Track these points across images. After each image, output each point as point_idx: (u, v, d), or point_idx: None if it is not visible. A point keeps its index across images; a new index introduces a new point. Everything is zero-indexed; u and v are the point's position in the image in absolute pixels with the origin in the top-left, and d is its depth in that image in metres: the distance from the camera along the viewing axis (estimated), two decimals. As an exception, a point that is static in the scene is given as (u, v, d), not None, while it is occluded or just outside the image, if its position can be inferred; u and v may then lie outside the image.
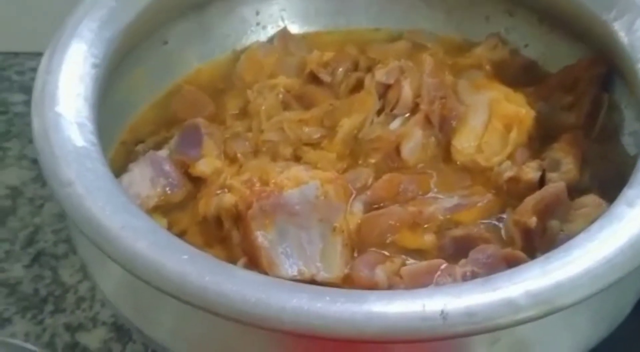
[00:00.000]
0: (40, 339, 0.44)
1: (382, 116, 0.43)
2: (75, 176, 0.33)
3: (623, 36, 0.40)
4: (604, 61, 0.43)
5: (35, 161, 0.54)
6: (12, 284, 0.47)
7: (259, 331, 0.30)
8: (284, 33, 0.49)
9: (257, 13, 0.49)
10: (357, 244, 0.38)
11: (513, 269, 0.30)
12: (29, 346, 0.38)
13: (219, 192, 0.39)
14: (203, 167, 0.41)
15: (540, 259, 0.30)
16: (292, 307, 0.28)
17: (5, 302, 0.46)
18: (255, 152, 0.42)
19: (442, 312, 0.28)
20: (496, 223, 0.38)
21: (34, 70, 0.54)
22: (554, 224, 0.37)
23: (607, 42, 0.41)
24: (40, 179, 0.53)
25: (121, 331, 0.44)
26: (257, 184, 0.38)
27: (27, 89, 0.58)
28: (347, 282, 0.36)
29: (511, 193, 0.40)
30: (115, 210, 0.32)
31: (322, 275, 0.35)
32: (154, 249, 0.31)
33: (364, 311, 0.28)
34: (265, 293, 0.29)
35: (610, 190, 0.34)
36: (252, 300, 0.29)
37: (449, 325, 0.28)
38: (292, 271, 0.35)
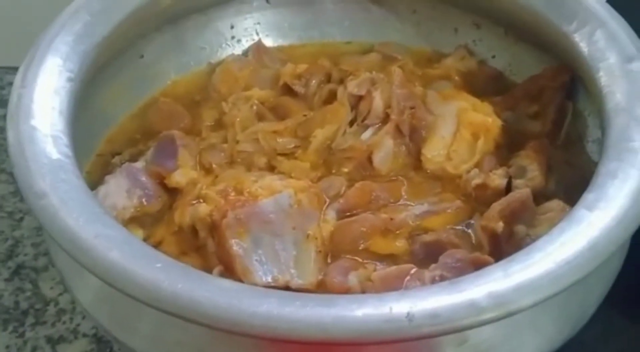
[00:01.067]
0: (21, 351, 0.44)
1: (355, 126, 0.44)
2: (50, 188, 0.33)
3: (584, 47, 0.41)
4: (568, 71, 0.44)
5: (14, 175, 0.54)
6: (-7, 297, 0.47)
7: (232, 337, 0.31)
8: (258, 46, 0.50)
9: (232, 27, 0.50)
10: (331, 251, 0.38)
11: (477, 272, 0.31)
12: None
13: (194, 202, 0.39)
14: (178, 178, 0.41)
15: (503, 262, 0.31)
16: (263, 312, 0.29)
17: (-14, 315, 0.46)
18: (231, 163, 0.43)
19: (408, 314, 0.29)
20: (465, 229, 0.39)
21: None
22: (520, 228, 0.38)
23: (570, 53, 0.42)
24: (19, 192, 0.52)
25: (102, 342, 0.45)
26: (232, 194, 0.38)
27: (6, 103, 0.58)
28: (321, 288, 0.36)
29: (479, 200, 0.41)
30: (89, 220, 0.32)
31: (296, 281, 0.36)
32: (127, 258, 0.31)
33: (333, 314, 0.29)
34: (237, 299, 0.30)
35: (575, 195, 0.35)
36: (224, 306, 0.29)
37: (415, 326, 0.29)
38: (267, 278, 0.36)
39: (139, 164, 0.42)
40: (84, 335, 0.45)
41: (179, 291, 0.30)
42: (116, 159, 0.43)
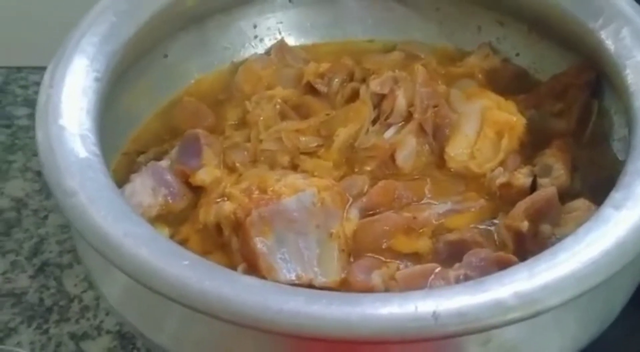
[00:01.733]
0: (45, 348, 0.45)
1: (377, 125, 0.44)
2: (79, 186, 0.34)
3: (610, 44, 0.40)
4: (593, 68, 0.44)
5: (39, 173, 0.55)
6: (18, 294, 0.48)
7: (258, 333, 0.31)
8: (280, 45, 0.50)
9: (255, 26, 0.51)
10: (354, 250, 0.39)
11: (502, 272, 0.31)
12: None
13: (218, 200, 0.40)
14: (203, 176, 0.41)
15: (529, 262, 0.31)
16: (289, 309, 0.29)
17: (11, 312, 0.47)
18: (254, 162, 0.43)
19: (434, 313, 0.29)
20: (489, 228, 0.39)
21: (37, 84, 0.55)
22: (545, 228, 0.38)
23: (595, 50, 0.42)
24: (44, 190, 0.54)
25: (125, 339, 0.45)
26: (256, 192, 0.39)
27: (31, 103, 0.59)
28: (344, 287, 0.37)
29: (504, 198, 0.40)
30: (118, 218, 0.33)
31: (320, 280, 0.36)
32: (155, 256, 0.32)
33: (359, 312, 0.29)
34: (263, 296, 0.30)
35: (600, 194, 0.35)
36: (250, 303, 0.30)
37: (441, 325, 0.29)
38: (290, 276, 0.36)
39: (164, 163, 0.42)
40: (108, 332, 0.46)
41: (206, 287, 0.30)
42: (141, 158, 0.44)
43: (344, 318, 0.29)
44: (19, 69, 0.62)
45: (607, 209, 0.33)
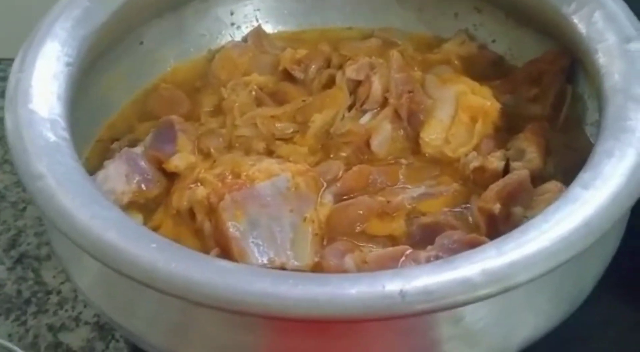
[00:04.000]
0: (23, 339, 0.45)
1: (353, 111, 0.44)
2: (47, 170, 0.34)
3: (582, 28, 0.41)
4: (567, 54, 0.44)
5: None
6: (-5, 286, 0.48)
7: (228, 315, 0.31)
8: (257, 31, 0.50)
9: (232, 13, 0.50)
10: (328, 234, 0.39)
11: (471, 251, 0.31)
12: (12, 346, 0.38)
13: (192, 185, 0.40)
14: (177, 162, 0.41)
15: (498, 240, 0.31)
16: (257, 290, 0.29)
17: (-12, 304, 0.47)
18: (229, 148, 0.43)
19: (401, 291, 0.29)
20: (463, 211, 0.39)
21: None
22: (517, 210, 0.38)
23: (569, 35, 0.42)
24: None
25: (104, 330, 0.45)
26: (229, 177, 0.39)
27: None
28: (318, 270, 0.36)
29: (477, 182, 0.41)
30: (85, 202, 0.33)
31: (293, 263, 0.36)
32: (123, 239, 0.31)
33: (327, 292, 0.29)
34: (231, 278, 0.30)
35: (573, 178, 0.35)
36: (218, 285, 0.30)
37: (408, 303, 0.29)
38: (263, 260, 0.36)
39: (138, 149, 0.42)
40: (86, 323, 0.45)
41: (174, 269, 0.30)
42: (115, 145, 0.43)
43: (312, 298, 0.29)
44: (-2, 61, 0.62)
45: (575, 189, 0.33)
